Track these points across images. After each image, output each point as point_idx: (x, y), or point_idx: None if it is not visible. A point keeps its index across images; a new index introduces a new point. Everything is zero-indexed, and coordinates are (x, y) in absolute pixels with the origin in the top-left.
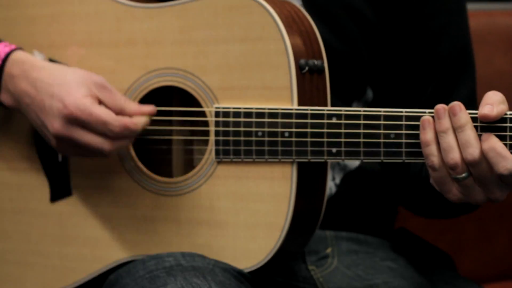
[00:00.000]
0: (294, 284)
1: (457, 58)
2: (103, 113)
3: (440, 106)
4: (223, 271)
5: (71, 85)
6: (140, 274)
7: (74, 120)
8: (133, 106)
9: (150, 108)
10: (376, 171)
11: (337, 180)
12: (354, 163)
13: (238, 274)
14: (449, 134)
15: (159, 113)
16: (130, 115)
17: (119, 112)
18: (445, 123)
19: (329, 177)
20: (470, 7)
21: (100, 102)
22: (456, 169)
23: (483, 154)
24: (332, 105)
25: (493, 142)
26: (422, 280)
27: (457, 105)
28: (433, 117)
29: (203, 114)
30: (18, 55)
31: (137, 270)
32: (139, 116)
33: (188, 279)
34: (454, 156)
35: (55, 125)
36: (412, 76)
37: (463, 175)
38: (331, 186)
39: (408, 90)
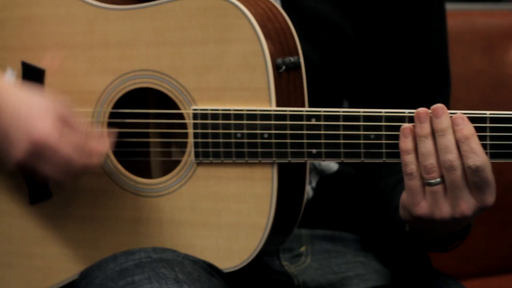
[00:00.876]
0: (267, 277)
1: (434, 77)
2: (67, 151)
3: (423, 110)
4: (193, 263)
5: (38, 116)
6: (110, 267)
7: (39, 152)
8: (94, 137)
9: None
10: (352, 174)
11: (314, 184)
12: (331, 168)
13: (208, 267)
14: (429, 139)
15: (136, 115)
16: (91, 146)
17: (81, 143)
18: (427, 127)
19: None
20: (449, 7)
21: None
22: (432, 173)
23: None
24: None
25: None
26: (393, 272)
27: (440, 107)
28: (412, 120)
29: (180, 115)
30: None
31: (108, 264)
32: (102, 148)
33: (155, 270)
34: (433, 161)
35: (18, 154)
36: (388, 91)
37: (437, 180)
38: (308, 190)
39: (384, 105)
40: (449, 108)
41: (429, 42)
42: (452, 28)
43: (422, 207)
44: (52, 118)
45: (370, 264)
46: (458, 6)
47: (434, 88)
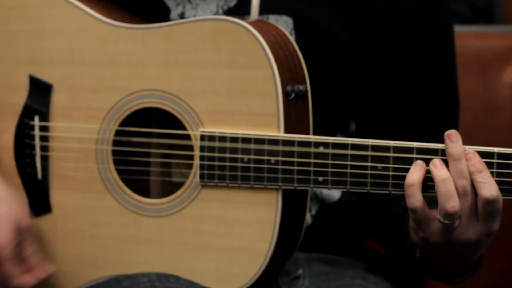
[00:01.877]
0: None
1: (444, 98)
2: (11, 271)
3: (454, 131)
4: None
5: None
6: None
7: None
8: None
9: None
10: (353, 203)
11: (313, 212)
12: (333, 197)
13: None
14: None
15: (142, 134)
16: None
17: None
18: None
19: None
20: None
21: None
22: (455, 215)
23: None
24: (315, 134)
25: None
26: None
27: (454, 132)
28: (421, 152)
29: (187, 137)
30: None
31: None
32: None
33: None
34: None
35: None
36: (397, 113)
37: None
38: (307, 217)
39: (392, 125)
40: (459, 130)
41: (439, 64)
42: None
43: (435, 232)
44: (12, 226)
45: (369, 287)
46: None
47: (443, 110)
